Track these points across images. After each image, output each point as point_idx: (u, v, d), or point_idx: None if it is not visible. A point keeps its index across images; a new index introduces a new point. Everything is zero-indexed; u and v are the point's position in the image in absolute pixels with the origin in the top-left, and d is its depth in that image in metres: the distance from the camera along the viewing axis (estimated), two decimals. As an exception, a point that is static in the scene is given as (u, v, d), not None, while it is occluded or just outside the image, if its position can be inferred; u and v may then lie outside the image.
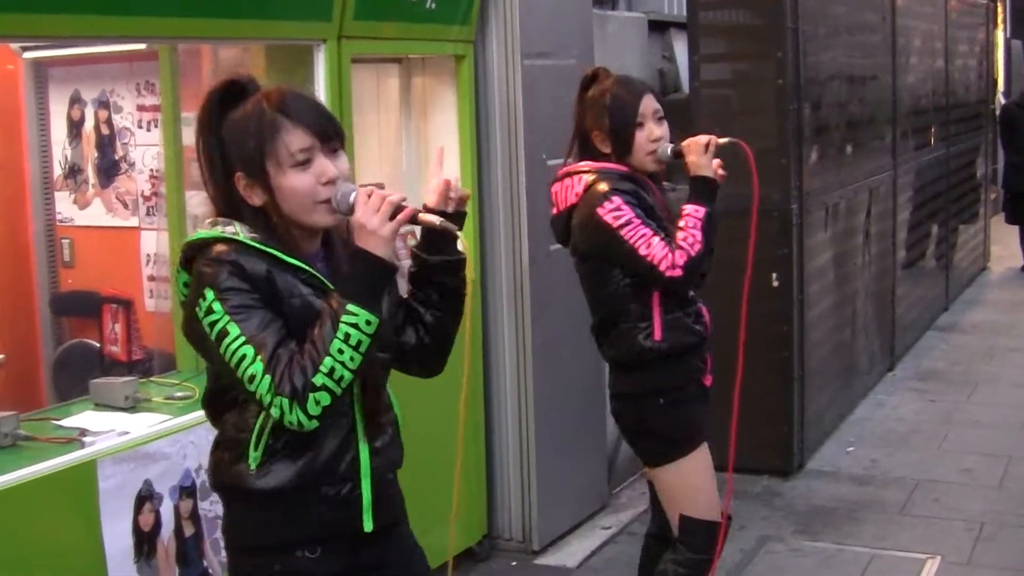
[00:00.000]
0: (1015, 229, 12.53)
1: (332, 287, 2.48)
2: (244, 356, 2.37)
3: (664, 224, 3.75)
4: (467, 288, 2.74)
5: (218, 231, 2.48)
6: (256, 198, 2.50)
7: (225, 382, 2.51)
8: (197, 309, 2.42)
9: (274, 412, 2.37)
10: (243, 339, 2.37)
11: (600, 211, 3.68)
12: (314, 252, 2.57)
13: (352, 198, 2.44)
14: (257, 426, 2.50)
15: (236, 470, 2.54)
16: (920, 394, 7.93)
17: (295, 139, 2.46)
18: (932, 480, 6.24)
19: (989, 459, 6.53)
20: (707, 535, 3.87)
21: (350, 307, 2.37)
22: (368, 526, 2.59)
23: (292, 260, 2.47)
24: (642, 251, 3.64)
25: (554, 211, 3.90)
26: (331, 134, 2.50)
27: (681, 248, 3.67)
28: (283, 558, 2.56)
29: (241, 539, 2.62)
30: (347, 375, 2.37)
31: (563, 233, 3.88)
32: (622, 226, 3.65)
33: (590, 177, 3.76)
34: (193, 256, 2.48)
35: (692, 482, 3.86)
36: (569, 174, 3.84)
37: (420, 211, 2.47)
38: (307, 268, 2.50)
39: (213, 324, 2.40)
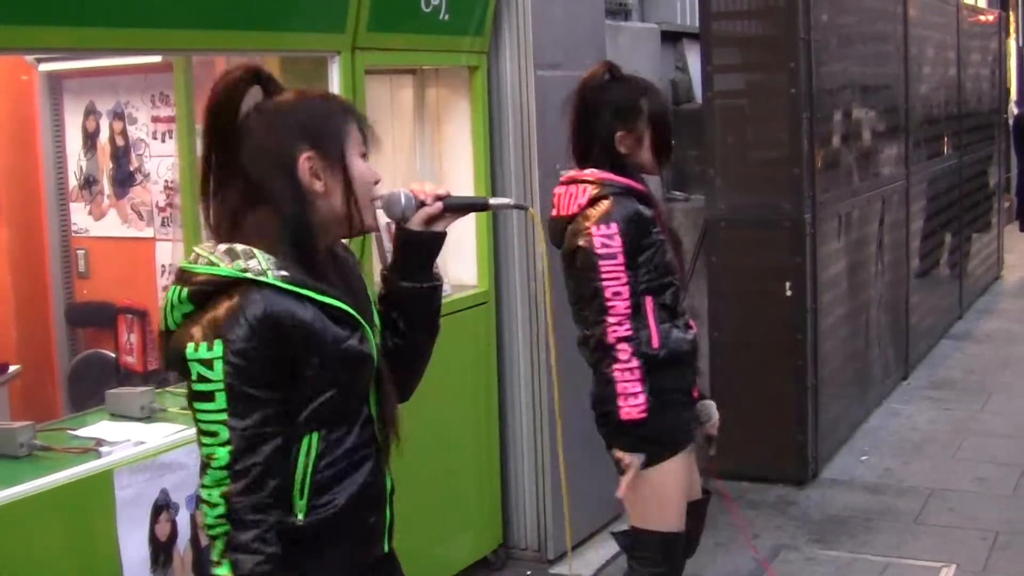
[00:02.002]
0: (1029, 237, 12.55)
1: (362, 320, 2.35)
2: (216, 433, 2.21)
3: (661, 239, 3.68)
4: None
5: (239, 267, 2.24)
6: (321, 183, 2.30)
7: None
8: (191, 346, 2.19)
9: (208, 515, 2.23)
10: (224, 417, 2.19)
11: (595, 230, 3.58)
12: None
13: (411, 204, 2.39)
14: (298, 474, 2.32)
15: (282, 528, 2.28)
16: (934, 403, 7.91)
17: (357, 131, 2.38)
18: (946, 489, 6.23)
19: (1003, 468, 6.52)
20: (662, 547, 3.76)
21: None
22: (385, 548, 2.52)
23: (324, 299, 2.28)
24: (607, 293, 3.55)
25: (553, 213, 3.80)
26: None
27: (627, 349, 3.55)
28: None
29: None
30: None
31: (559, 236, 3.78)
32: (603, 257, 3.56)
33: (595, 190, 3.67)
34: (210, 294, 2.24)
35: (660, 491, 3.74)
36: (573, 181, 3.75)
37: None
38: (340, 306, 2.31)
39: (202, 378, 2.19)
